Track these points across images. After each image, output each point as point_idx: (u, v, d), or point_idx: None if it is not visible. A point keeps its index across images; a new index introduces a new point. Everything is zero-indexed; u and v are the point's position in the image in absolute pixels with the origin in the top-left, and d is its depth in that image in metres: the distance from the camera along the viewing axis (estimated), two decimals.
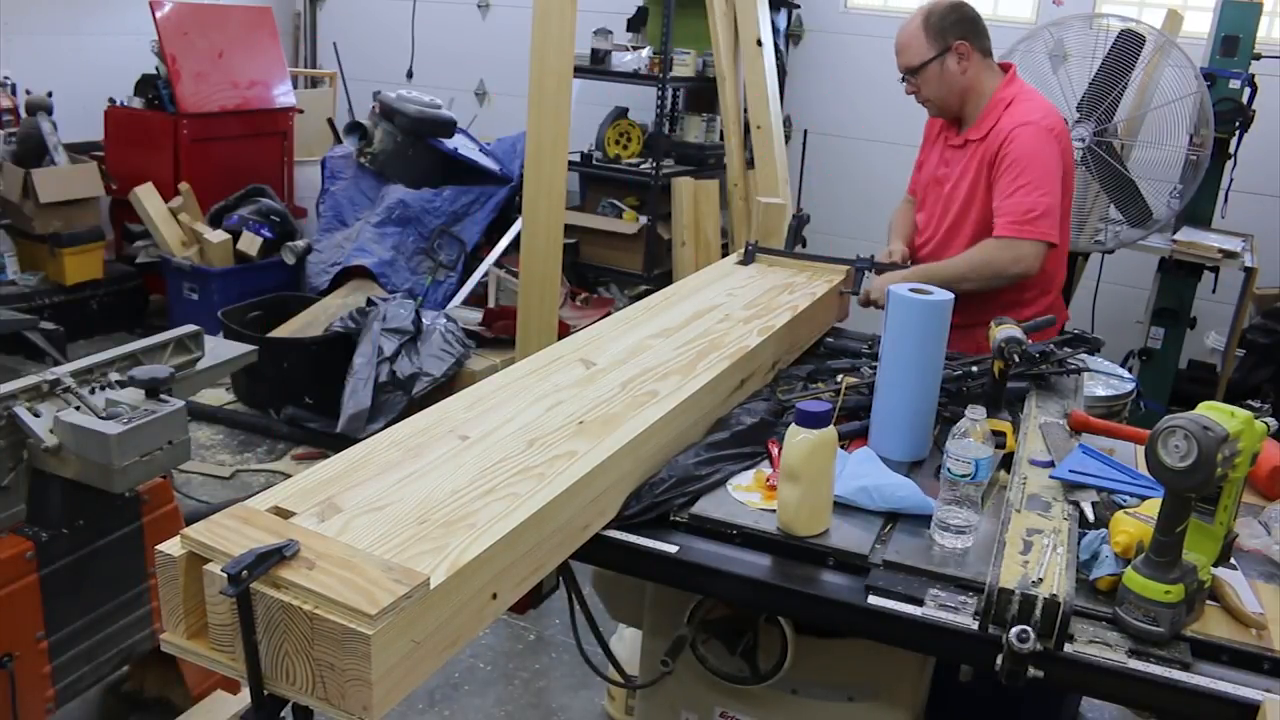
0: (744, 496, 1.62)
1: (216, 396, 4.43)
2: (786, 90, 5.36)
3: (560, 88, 2.96)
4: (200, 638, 1.15)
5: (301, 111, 5.84)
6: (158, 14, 5.10)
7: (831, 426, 1.50)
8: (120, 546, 2.18)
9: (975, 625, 1.34)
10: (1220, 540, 1.40)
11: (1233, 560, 1.50)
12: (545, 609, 3.08)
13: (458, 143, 5.32)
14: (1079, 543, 1.47)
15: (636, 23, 5.58)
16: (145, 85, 5.26)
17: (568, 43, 2.98)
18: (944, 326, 1.81)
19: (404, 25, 6.55)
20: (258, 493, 1.30)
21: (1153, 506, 1.42)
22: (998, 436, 1.75)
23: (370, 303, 4.38)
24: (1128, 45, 3.36)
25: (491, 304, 4.89)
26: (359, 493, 1.30)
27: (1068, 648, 1.31)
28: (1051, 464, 1.70)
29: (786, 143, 5.11)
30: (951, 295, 1.82)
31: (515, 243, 4.71)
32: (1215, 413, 1.29)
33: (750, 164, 4.89)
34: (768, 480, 1.65)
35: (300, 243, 5.16)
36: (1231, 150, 3.98)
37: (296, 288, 5.09)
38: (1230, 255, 3.83)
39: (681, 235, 5.21)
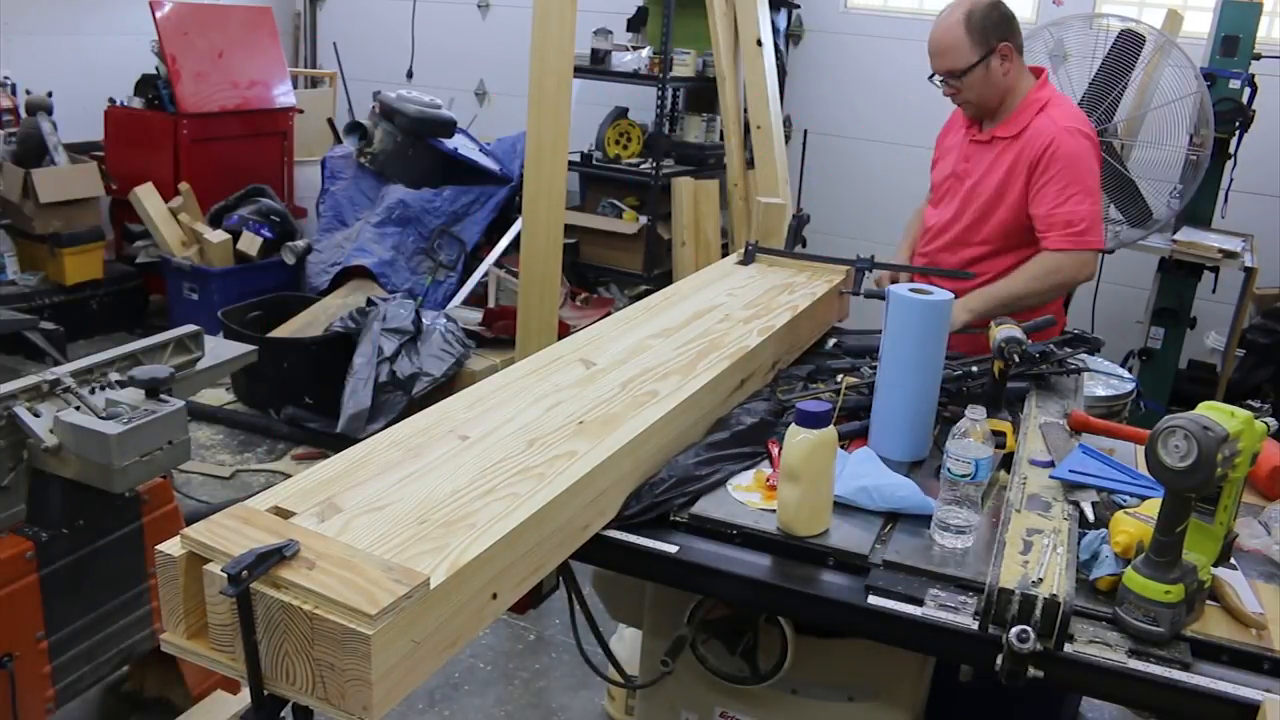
0: (744, 496, 1.62)
1: (216, 396, 4.43)
2: (786, 90, 5.36)
3: (560, 88, 2.96)
4: (200, 638, 1.15)
5: (301, 111, 5.84)
6: (158, 14, 5.10)
7: (831, 426, 1.50)
8: (120, 546, 2.18)
9: (975, 625, 1.34)
10: (1220, 540, 1.40)
11: (1233, 560, 1.50)
12: (545, 609, 3.08)
13: (458, 143, 5.32)
14: (1079, 543, 1.47)
15: (636, 23, 5.58)
16: (145, 85, 5.26)
17: (568, 43, 2.98)
18: (944, 326, 1.81)
19: (404, 25, 6.55)
20: (258, 493, 1.30)
21: (1153, 506, 1.42)
22: (998, 436, 1.75)
23: (370, 303, 4.38)
24: (1128, 45, 3.36)
25: (491, 304, 4.89)
26: (359, 493, 1.30)
27: (1068, 648, 1.31)
28: (1051, 464, 1.70)
29: (786, 143, 5.11)
30: (951, 295, 1.82)
31: (515, 243, 4.71)
32: (1215, 413, 1.29)
33: (750, 164, 4.89)
34: (768, 480, 1.65)
35: (300, 243, 5.16)
36: (1231, 150, 3.97)
37: (296, 288, 5.09)
38: (1230, 255, 3.83)
39: (681, 235, 5.21)
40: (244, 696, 2.27)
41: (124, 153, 5.26)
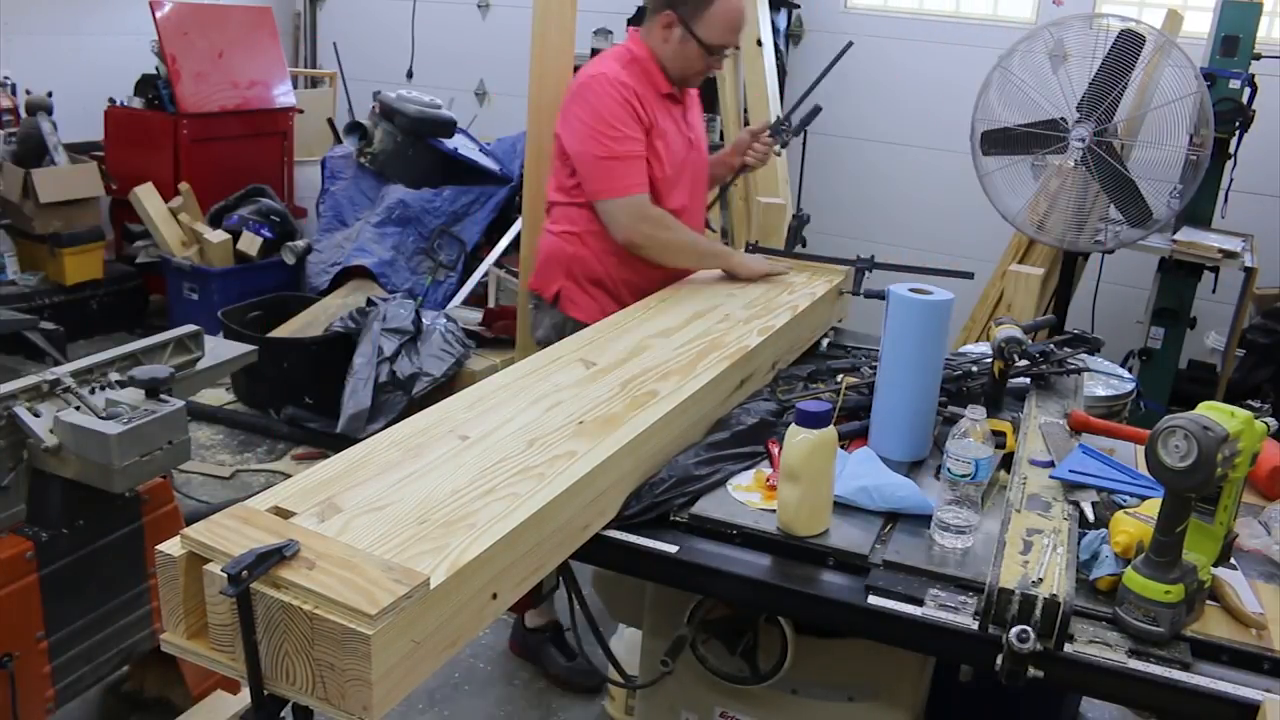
0: (744, 496, 1.62)
1: (216, 396, 4.43)
2: (786, 90, 5.35)
3: (560, 88, 2.96)
4: (200, 638, 1.15)
5: (301, 111, 5.84)
6: (158, 14, 5.10)
7: (831, 426, 1.50)
8: (120, 546, 2.18)
9: (975, 625, 1.35)
10: (1220, 540, 1.40)
11: (1233, 560, 1.50)
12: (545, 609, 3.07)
13: (458, 143, 5.32)
14: (1079, 543, 1.47)
15: (636, 22, 5.58)
16: (145, 85, 5.26)
17: (568, 43, 2.98)
18: (944, 326, 1.81)
19: (404, 25, 6.55)
20: (258, 493, 1.30)
21: (1153, 506, 1.42)
22: (998, 436, 1.75)
23: (370, 303, 4.38)
24: (1128, 45, 3.35)
25: (491, 304, 4.89)
26: (359, 493, 1.30)
27: (1068, 648, 1.31)
28: (1051, 464, 1.70)
29: None
30: (952, 295, 1.82)
31: (515, 243, 4.71)
32: (1215, 413, 1.29)
33: None
34: (768, 480, 1.65)
35: (300, 243, 5.16)
36: (1231, 150, 3.97)
37: (296, 288, 5.09)
38: (1230, 255, 3.83)
39: None
40: (244, 696, 2.27)
41: (124, 153, 5.26)
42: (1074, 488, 1.62)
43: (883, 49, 5.33)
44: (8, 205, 4.81)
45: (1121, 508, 1.52)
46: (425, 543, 1.19)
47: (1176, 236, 3.93)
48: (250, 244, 5.05)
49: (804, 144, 5.50)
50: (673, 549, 1.50)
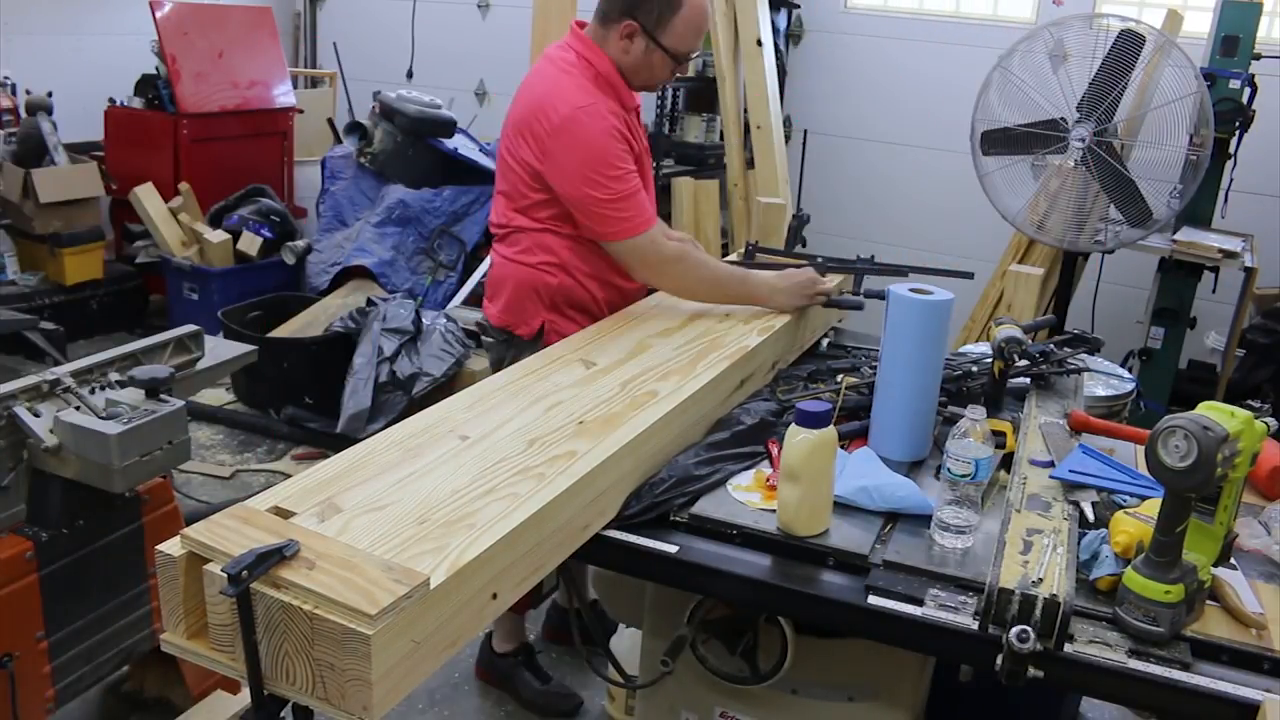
0: (744, 496, 1.62)
1: (216, 396, 4.43)
2: (786, 90, 5.36)
3: None
4: (200, 638, 1.15)
5: (301, 111, 5.84)
6: (158, 14, 5.10)
7: (831, 426, 1.50)
8: (120, 546, 2.18)
9: (975, 625, 1.35)
10: (1220, 540, 1.40)
11: (1233, 560, 1.50)
12: (545, 609, 3.07)
13: (458, 143, 5.32)
14: (1079, 543, 1.47)
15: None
16: (145, 85, 5.26)
17: None
18: (944, 326, 1.81)
19: (404, 25, 6.55)
20: (258, 493, 1.30)
21: (1153, 506, 1.42)
22: (998, 436, 1.75)
23: (370, 303, 4.38)
24: (1128, 45, 3.35)
25: None
26: (359, 493, 1.30)
27: (1068, 648, 1.31)
28: (1051, 464, 1.70)
29: (786, 143, 5.11)
30: (952, 295, 1.82)
31: None
32: (1215, 413, 1.29)
33: (750, 164, 4.90)
34: (768, 480, 1.65)
35: (300, 243, 5.16)
36: (1231, 150, 3.97)
37: (296, 288, 5.09)
38: (1230, 255, 3.83)
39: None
40: (244, 696, 2.27)
41: (124, 153, 5.26)
42: (1074, 488, 1.62)
43: (883, 49, 5.33)
44: (8, 205, 4.81)
45: (1121, 508, 1.52)
46: (425, 543, 1.20)
47: (1176, 236, 3.93)
48: (250, 244, 5.05)
49: (804, 144, 5.50)
50: (673, 549, 1.50)
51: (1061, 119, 3.47)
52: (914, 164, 5.34)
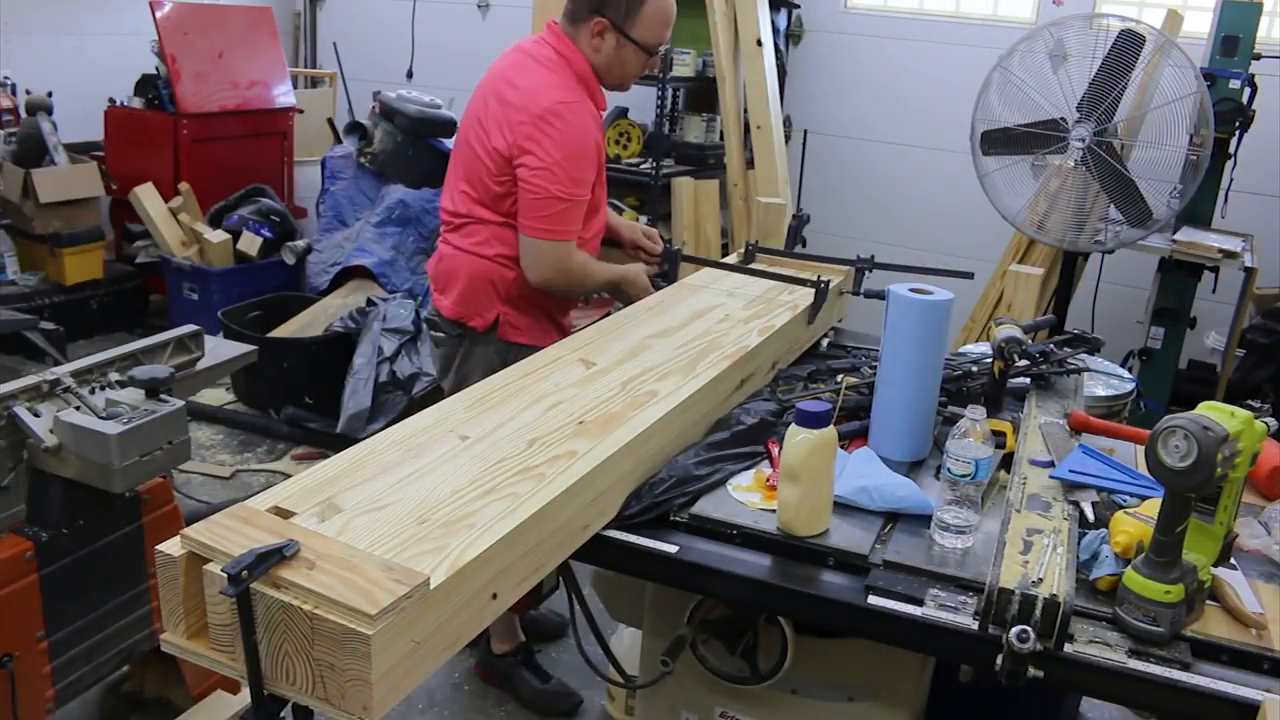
0: (744, 496, 1.62)
1: (216, 396, 4.43)
2: (786, 90, 5.36)
3: None
4: (200, 638, 1.15)
5: (301, 111, 5.84)
6: (158, 14, 5.10)
7: (831, 426, 1.50)
8: (120, 546, 2.18)
9: (975, 625, 1.35)
10: (1220, 540, 1.40)
11: (1233, 560, 1.50)
12: (545, 609, 3.07)
13: None
14: (1079, 543, 1.47)
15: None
16: (145, 85, 5.26)
17: None
18: (944, 326, 1.81)
19: (404, 25, 6.55)
20: (258, 493, 1.30)
21: (1153, 506, 1.42)
22: (998, 436, 1.75)
23: (370, 303, 4.38)
24: (1128, 45, 3.35)
25: None
26: (359, 493, 1.30)
27: (1068, 648, 1.31)
28: (1051, 464, 1.70)
29: (786, 143, 5.11)
30: (952, 295, 1.82)
31: None
32: (1215, 413, 1.29)
33: (750, 164, 4.89)
34: (768, 480, 1.65)
35: (300, 243, 5.16)
36: (1231, 150, 3.98)
37: (296, 288, 5.09)
38: (1230, 255, 3.83)
39: (681, 235, 5.21)
40: (244, 696, 2.27)
41: (124, 153, 5.26)
42: (1074, 488, 1.62)
43: (883, 49, 5.33)
44: (8, 205, 4.81)
45: (1121, 508, 1.52)
46: (425, 543, 1.20)
47: (1176, 236, 3.93)
48: (250, 244, 5.05)
49: (804, 144, 5.50)
50: (673, 549, 1.50)
51: (1061, 119, 3.47)
52: (914, 164, 5.34)
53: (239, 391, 4.47)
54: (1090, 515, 1.55)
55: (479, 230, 2.33)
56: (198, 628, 1.15)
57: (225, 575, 1.05)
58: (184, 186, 5.11)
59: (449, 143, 5.24)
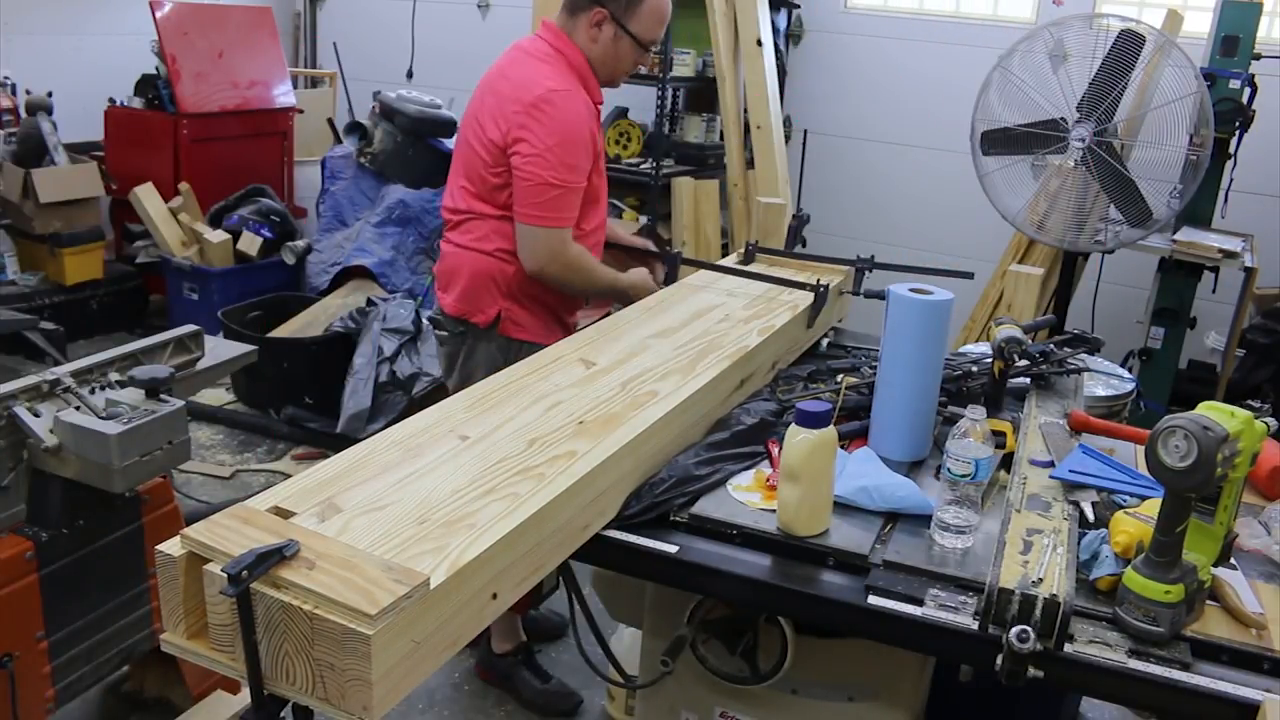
0: (744, 496, 1.62)
1: (216, 396, 4.43)
2: (786, 90, 5.36)
3: None
4: (200, 638, 1.15)
5: (301, 111, 5.84)
6: (158, 14, 5.10)
7: (831, 426, 1.50)
8: (120, 546, 2.18)
9: (975, 625, 1.35)
10: (1220, 540, 1.40)
11: (1233, 560, 1.50)
12: (545, 609, 3.07)
13: None
14: (1079, 543, 1.47)
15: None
16: (145, 85, 5.26)
17: None
18: (944, 326, 1.81)
19: (404, 25, 6.55)
20: (258, 493, 1.30)
21: (1153, 506, 1.42)
22: (998, 436, 1.75)
23: (370, 303, 4.38)
24: (1128, 45, 3.35)
25: None
26: (359, 493, 1.30)
27: (1068, 648, 1.31)
28: (1051, 464, 1.70)
29: (786, 143, 5.11)
30: (952, 295, 1.82)
31: None
32: (1215, 413, 1.29)
33: (750, 164, 4.89)
34: (768, 480, 1.65)
35: (300, 243, 5.16)
36: (1231, 150, 3.98)
37: (296, 288, 5.09)
38: (1230, 255, 3.83)
39: (681, 235, 5.21)
40: (244, 696, 2.27)
41: (124, 153, 5.26)
42: (1074, 488, 1.62)
43: (883, 49, 5.33)
44: (8, 205, 4.81)
45: (1121, 508, 1.52)
46: (425, 543, 1.19)
47: (1176, 236, 3.93)
48: (250, 244, 5.05)
49: (804, 144, 5.51)
50: (673, 549, 1.50)
51: (1061, 119, 3.47)
52: (914, 164, 5.34)
53: (239, 391, 4.47)
54: (1090, 515, 1.55)
55: (478, 226, 2.34)
56: (198, 628, 1.15)
57: (225, 575, 1.05)
58: (184, 186, 5.11)
59: (449, 143, 5.24)
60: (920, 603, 1.39)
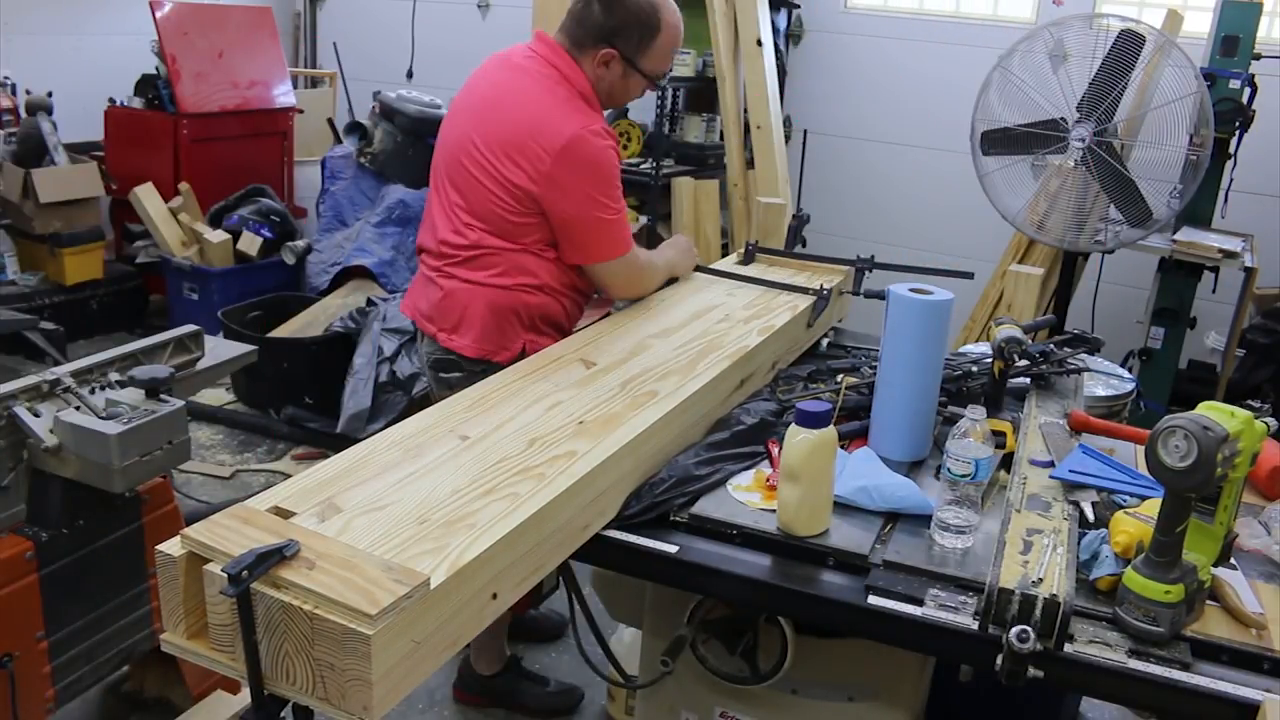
0: (744, 496, 1.62)
1: (216, 396, 4.43)
2: (786, 90, 5.35)
3: None
4: (200, 638, 1.15)
5: (301, 111, 5.84)
6: (158, 14, 5.10)
7: (831, 426, 1.50)
8: (120, 546, 2.18)
9: (975, 625, 1.35)
10: (1220, 540, 1.40)
11: (1233, 560, 1.50)
12: (545, 609, 3.07)
13: None
14: (1079, 543, 1.47)
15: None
16: (145, 85, 5.26)
17: None
18: (944, 326, 1.81)
19: (404, 25, 6.55)
20: (258, 493, 1.30)
21: (1153, 506, 1.42)
22: (998, 436, 1.75)
23: (370, 303, 4.38)
24: (1128, 45, 3.35)
25: None
26: (359, 493, 1.30)
27: (1068, 648, 1.31)
28: (1051, 464, 1.70)
29: (786, 143, 5.11)
30: (952, 295, 1.82)
31: None
32: (1215, 413, 1.29)
33: (750, 164, 4.89)
34: (768, 480, 1.65)
35: (300, 243, 5.16)
36: (1231, 150, 3.97)
37: (296, 288, 5.09)
38: (1230, 255, 3.83)
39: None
40: (244, 696, 2.27)
41: (124, 153, 5.26)
42: (1074, 488, 1.62)
43: (883, 49, 5.33)
44: (8, 205, 4.81)
45: (1121, 508, 1.52)
46: (425, 543, 1.20)
47: (1176, 236, 3.93)
48: (250, 244, 5.05)
49: (804, 144, 5.50)
50: (673, 549, 1.50)
51: (1061, 119, 3.47)
52: (914, 164, 5.34)
53: (239, 391, 4.46)
54: (1090, 515, 1.55)
55: (496, 260, 2.21)
56: (198, 628, 1.15)
57: (225, 575, 1.05)
58: (184, 186, 5.11)
59: None
60: (920, 603, 1.39)
